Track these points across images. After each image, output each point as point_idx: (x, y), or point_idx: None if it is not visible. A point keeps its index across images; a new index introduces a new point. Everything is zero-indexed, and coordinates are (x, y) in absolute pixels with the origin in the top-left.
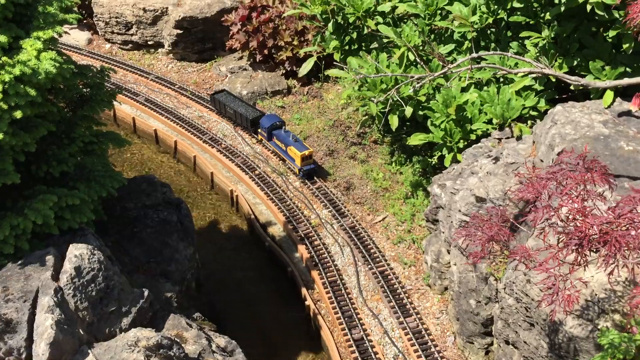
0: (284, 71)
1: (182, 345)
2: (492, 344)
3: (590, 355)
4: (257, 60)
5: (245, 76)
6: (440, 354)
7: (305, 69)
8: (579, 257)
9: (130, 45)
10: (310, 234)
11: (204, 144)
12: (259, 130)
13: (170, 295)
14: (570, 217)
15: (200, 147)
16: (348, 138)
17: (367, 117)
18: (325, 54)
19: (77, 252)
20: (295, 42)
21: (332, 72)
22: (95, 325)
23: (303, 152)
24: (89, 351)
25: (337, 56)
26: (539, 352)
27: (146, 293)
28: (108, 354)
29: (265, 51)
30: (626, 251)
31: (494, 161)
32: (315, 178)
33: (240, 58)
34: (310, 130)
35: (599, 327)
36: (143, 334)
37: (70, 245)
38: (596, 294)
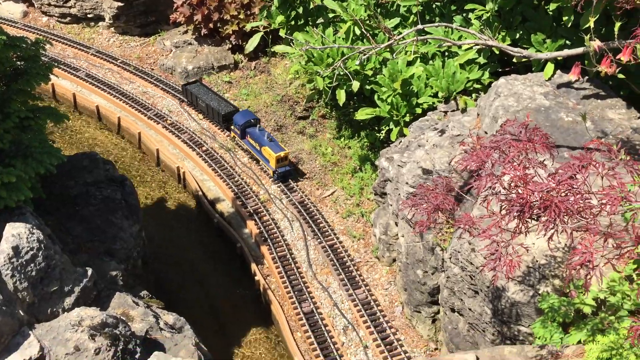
0: (230, 45)
1: (129, 323)
2: (438, 312)
3: (532, 320)
4: (203, 35)
5: (191, 51)
6: (389, 324)
7: (251, 44)
8: (521, 224)
9: (68, 18)
10: (259, 210)
11: (148, 121)
12: (232, 127)
13: (115, 273)
14: (513, 184)
15: (145, 124)
16: (296, 113)
17: (314, 91)
18: (272, 28)
19: (15, 232)
20: (241, 16)
21: (278, 48)
22: (37, 305)
23: (279, 154)
24: (30, 332)
25: (282, 32)
26: (483, 318)
27: (90, 272)
28: (50, 334)
29: (211, 25)
30: (565, 217)
31: (440, 134)
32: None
33: (185, 32)
34: (258, 105)
35: (539, 292)
36: (87, 313)
37: (7, 224)
38: (537, 260)
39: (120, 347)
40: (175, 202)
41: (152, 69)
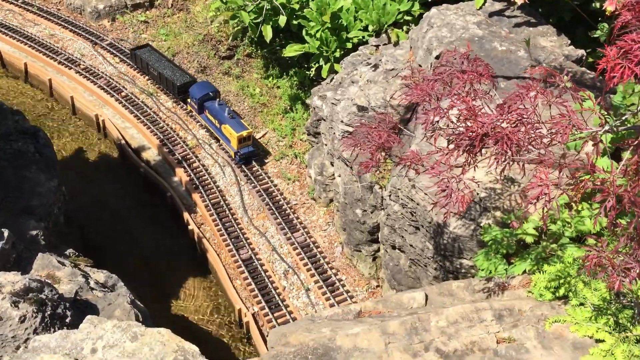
0: None
1: (55, 285)
2: (378, 250)
3: (474, 253)
4: None
5: None
6: (329, 265)
7: None
8: (469, 158)
9: None
10: (188, 156)
11: (59, 66)
12: (189, 100)
13: (35, 233)
14: (461, 117)
15: (56, 70)
16: (220, 53)
17: (238, 28)
18: None
19: None
20: None
21: None
22: None
23: (240, 133)
24: None
25: None
26: (425, 253)
27: (6, 233)
28: None
29: None
30: (516, 148)
31: (373, 69)
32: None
33: None
34: (178, 46)
35: (481, 225)
36: (7, 279)
37: None
38: (477, 194)
39: (48, 313)
40: (96, 152)
41: (59, 9)
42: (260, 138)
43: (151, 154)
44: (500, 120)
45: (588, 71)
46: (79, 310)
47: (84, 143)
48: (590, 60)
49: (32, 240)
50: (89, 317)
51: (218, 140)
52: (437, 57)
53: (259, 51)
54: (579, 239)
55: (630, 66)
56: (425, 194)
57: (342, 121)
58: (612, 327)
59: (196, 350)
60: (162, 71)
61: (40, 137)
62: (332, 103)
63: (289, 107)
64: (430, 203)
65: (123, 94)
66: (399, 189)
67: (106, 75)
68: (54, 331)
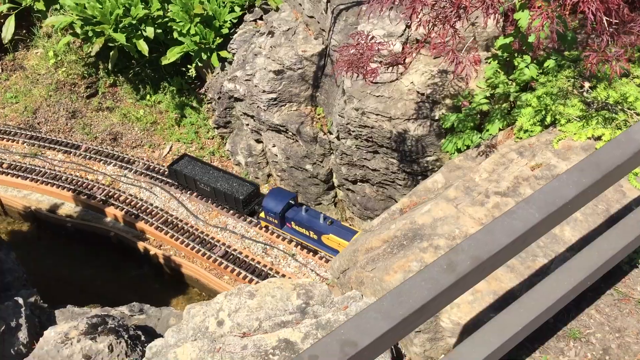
0: None
1: (109, 314)
2: (336, 195)
3: (435, 147)
4: None
5: None
6: None
7: (8, 31)
8: (455, 33)
9: None
10: (111, 193)
11: None
12: (264, 215)
13: (34, 299)
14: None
15: None
16: (81, 93)
17: (114, 52)
18: (22, 8)
19: None
20: None
21: (49, 20)
22: None
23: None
24: None
25: (40, 5)
26: (390, 169)
27: (21, 300)
28: None
29: None
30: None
31: (270, 36)
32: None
33: None
34: (35, 102)
35: (435, 119)
36: (63, 328)
37: None
38: (423, 93)
39: (126, 336)
40: (6, 230)
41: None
42: (169, 153)
43: (69, 208)
44: None
45: None
46: (141, 330)
47: None
48: None
49: (36, 306)
50: (188, 306)
51: (316, 252)
52: (327, 1)
53: (121, 77)
54: (524, 89)
55: None
56: (377, 114)
57: (264, 91)
58: (602, 123)
59: (309, 280)
60: (216, 185)
61: None
62: (247, 80)
63: (179, 116)
64: (385, 119)
65: (5, 165)
66: (348, 124)
67: None
68: (140, 351)
